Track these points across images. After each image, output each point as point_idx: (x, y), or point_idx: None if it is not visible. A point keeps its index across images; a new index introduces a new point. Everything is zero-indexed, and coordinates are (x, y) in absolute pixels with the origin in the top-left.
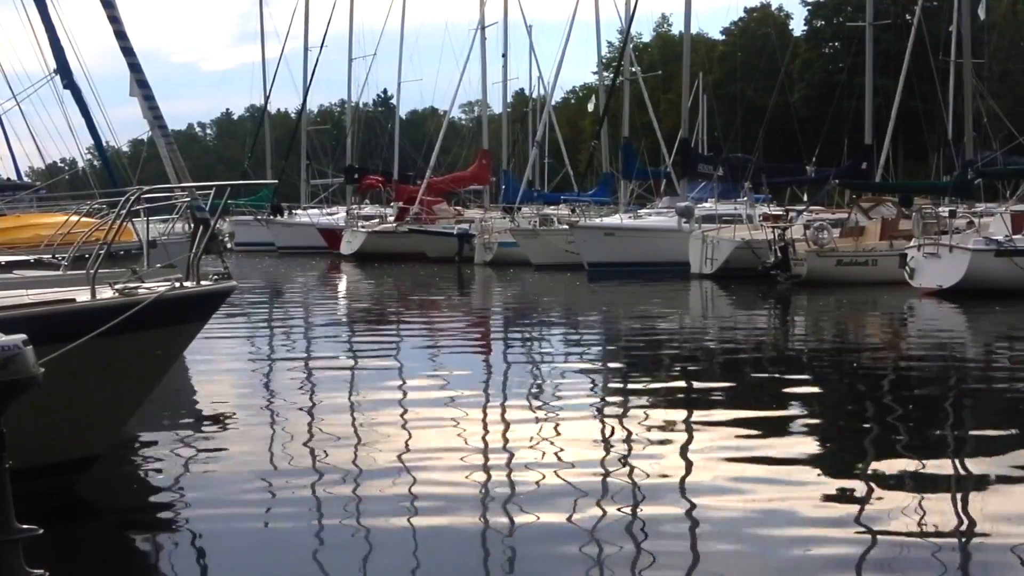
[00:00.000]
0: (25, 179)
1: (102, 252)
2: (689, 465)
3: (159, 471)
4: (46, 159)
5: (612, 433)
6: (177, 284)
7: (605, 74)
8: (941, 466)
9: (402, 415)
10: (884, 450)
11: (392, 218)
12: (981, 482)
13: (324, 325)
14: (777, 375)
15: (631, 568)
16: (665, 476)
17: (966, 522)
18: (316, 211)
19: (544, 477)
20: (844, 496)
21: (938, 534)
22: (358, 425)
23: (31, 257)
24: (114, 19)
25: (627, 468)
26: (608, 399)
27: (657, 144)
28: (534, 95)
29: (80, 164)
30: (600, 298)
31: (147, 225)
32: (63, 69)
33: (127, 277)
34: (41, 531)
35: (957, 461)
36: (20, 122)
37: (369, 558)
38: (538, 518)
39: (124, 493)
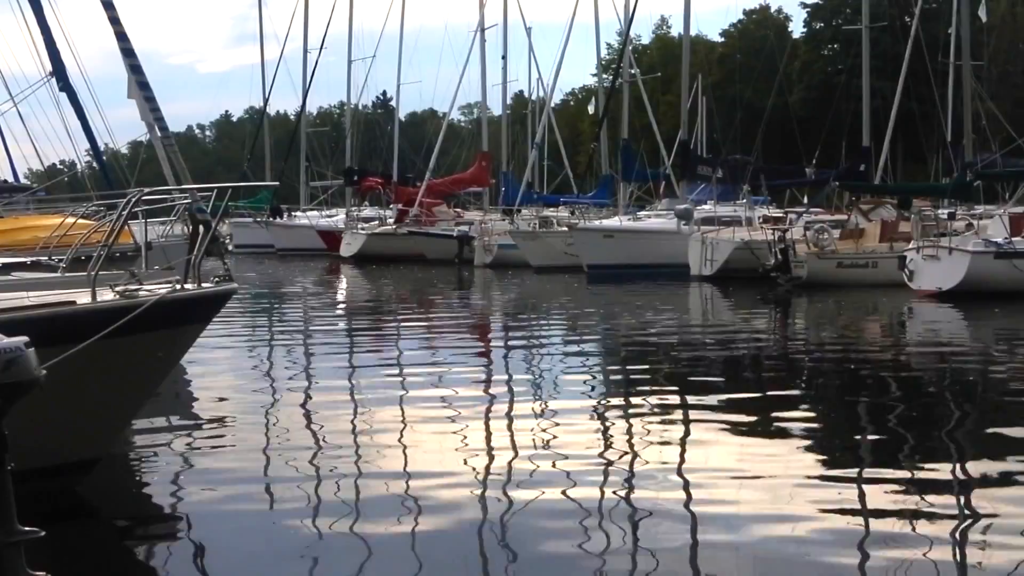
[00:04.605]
0: (24, 181)
1: (103, 254)
2: (689, 465)
3: (160, 473)
4: (44, 161)
5: (611, 436)
6: (178, 286)
7: (604, 76)
8: (940, 467)
9: (401, 416)
10: (883, 452)
11: (392, 220)
12: (980, 482)
13: (323, 328)
14: (777, 377)
15: (632, 567)
16: (664, 475)
17: (965, 521)
18: (315, 213)
19: (544, 477)
20: (843, 498)
21: (937, 536)
22: (357, 427)
23: (28, 259)
24: (115, 20)
25: (627, 470)
26: (607, 402)
27: (656, 146)
28: (533, 97)
29: (79, 166)
30: (599, 300)
31: (145, 227)
32: (59, 71)
33: (127, 279)
34: (43, 533)
35: (956, 461)
36: (17, 124)
37: (369, 559)
38: (538, 517)
39: (125, 495)
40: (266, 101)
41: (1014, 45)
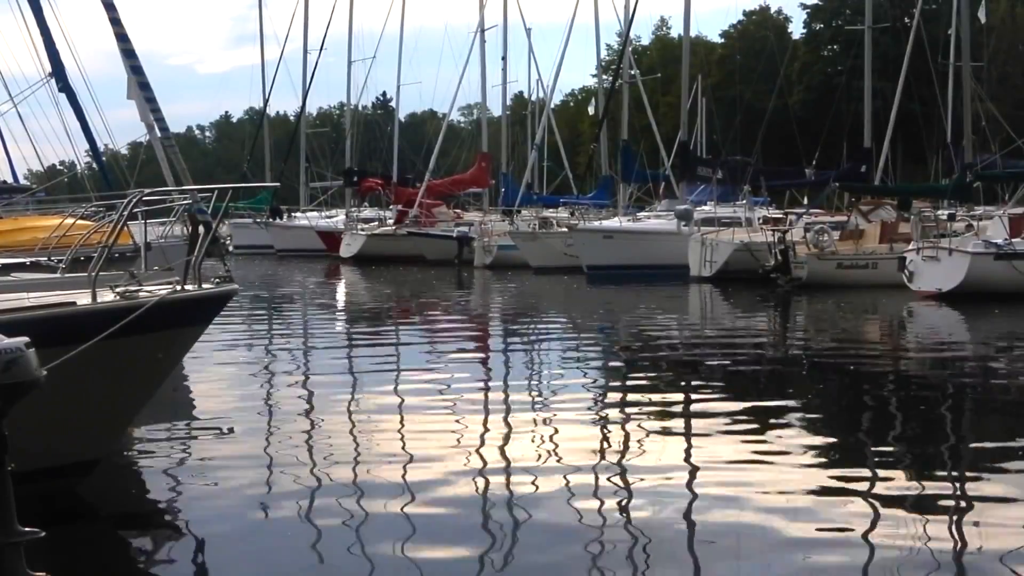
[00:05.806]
0: (24, 182)
1: (103, 255)
2: (688, 469)
3: (159, 474)
4: (44, 162)
5: (611, 437)
6: (178, 287)
7: (604, 77)
8: (939, 469)
9: (401, 418)
10: (883, 455)
11: (391, 221)
12: (979, 484)
13: (323, 329)
14: (777, 378)
15: (632, 567)
16: (664, 479)
17: (964, 525)
18: (315, 214)
19: (544, 480)
20: (843, 501)
21: (936, 539)
22: (357, 429)
23: (28, 260)
24: (115, 21)
25: (627, 473)
26: (607, 404)
27: (656, 147)
28: (533, 98)
29: (78, 167)
30: (599, 301)
31: (144, 228)
32: (58, 72)
33: (127, 280)
34: (43, 534)
35: (955, 464)
36: (17, 125)
37: (368, 562)
38: (537, 519)
39: (125, 496)
40: (266, 102)
41: (1014, 46)
